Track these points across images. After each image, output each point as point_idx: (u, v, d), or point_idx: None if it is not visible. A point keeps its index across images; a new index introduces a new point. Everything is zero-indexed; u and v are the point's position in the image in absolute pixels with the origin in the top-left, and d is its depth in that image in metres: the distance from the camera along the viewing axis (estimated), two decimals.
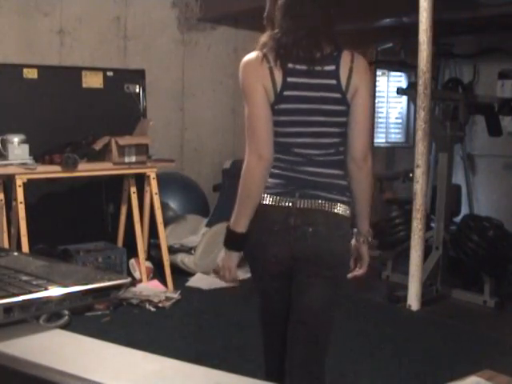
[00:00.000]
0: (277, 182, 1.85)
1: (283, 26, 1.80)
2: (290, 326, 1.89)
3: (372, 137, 6.77)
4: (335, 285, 1.89)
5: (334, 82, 1.79)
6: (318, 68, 1.79)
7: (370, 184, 1.92)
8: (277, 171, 1.85)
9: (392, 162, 7.33)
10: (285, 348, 1.92)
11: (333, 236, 1.84)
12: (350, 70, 1.79)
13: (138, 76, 4.85)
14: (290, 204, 1.82)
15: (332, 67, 1.80)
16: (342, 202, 1.85)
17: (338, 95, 1.80)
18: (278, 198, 1.83)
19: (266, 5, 1.89)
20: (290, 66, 1.78)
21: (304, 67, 1.79)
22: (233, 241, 1.89)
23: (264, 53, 1.81)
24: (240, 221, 1.85)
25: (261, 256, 1.88)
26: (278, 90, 1.78)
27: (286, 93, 1.79)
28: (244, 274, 4.93)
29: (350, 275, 1.99)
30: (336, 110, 1.81)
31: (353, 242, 1.99)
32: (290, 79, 1.78)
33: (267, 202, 1.84)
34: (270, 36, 1.83)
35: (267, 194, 1.84)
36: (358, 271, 2.01)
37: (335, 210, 1.83)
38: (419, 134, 3.96)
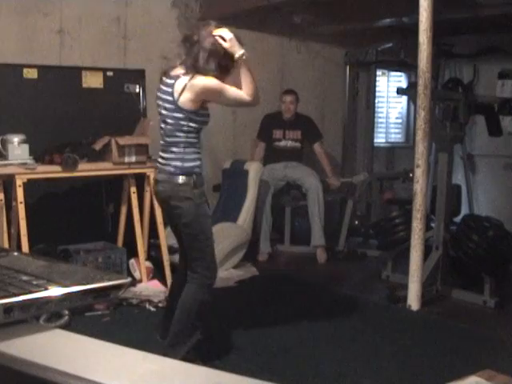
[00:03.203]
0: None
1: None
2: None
3: (372, 137, 6.77)
4: None
5: (170, 90, 2.95)
6: (164, 88, 2.99)
7: None
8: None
9: (392, 162, 7.32)
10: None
11: None
12: (184, 87, 2.89)
13: (138, 76, 4.85)
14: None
15: (170, 87, 2.96)
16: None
17: (171, 98, 2.95)
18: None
19: None
20: (161, 86, 3.02)
21: (162, 87, 3.01)
22: None
23: None
24: None
25: None
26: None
27: (156, 101, 3.09)
28: (244, 274, 4.95)
29: None
30: (171, 107, 2.95)
31: None
32: (157, 94, 3.06)
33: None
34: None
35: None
36: None
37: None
38: (419, 134, 3.96)
